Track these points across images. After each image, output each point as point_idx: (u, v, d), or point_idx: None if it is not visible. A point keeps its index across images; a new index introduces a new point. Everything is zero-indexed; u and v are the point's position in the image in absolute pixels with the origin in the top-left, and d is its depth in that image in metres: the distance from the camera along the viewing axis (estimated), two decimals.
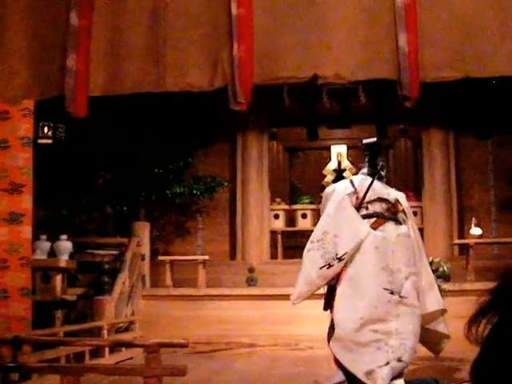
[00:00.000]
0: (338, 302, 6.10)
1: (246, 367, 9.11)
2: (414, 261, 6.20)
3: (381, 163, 6.85)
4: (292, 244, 15.07)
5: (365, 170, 6.72)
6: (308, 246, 6.29)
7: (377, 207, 6.41)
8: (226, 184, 14.32)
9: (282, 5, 4.93)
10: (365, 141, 7.07)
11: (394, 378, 5.80)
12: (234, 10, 4.77)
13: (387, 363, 5.75)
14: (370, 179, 6.59)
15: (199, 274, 12.86)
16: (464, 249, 13.29)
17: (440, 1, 4.91)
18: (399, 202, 6.46)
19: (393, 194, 6.56)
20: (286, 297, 11.25)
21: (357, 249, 6.10)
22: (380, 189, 6.52)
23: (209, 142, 14.76)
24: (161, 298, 12.14)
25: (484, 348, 1.73)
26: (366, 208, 6.42)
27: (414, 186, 15.49)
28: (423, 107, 8.63)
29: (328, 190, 6.88)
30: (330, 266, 6.11)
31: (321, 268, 6.11)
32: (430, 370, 7.55)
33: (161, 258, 13.29)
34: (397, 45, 4.76)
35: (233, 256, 14.83)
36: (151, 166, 13.37)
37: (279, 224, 15.51)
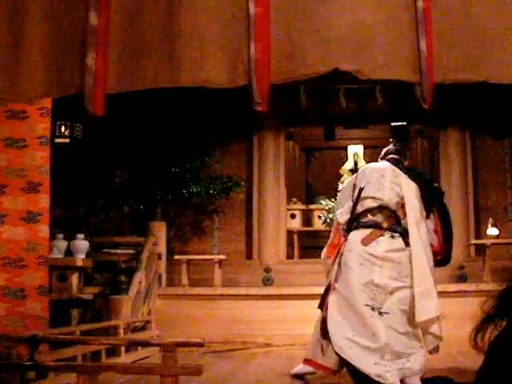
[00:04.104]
0: (329, 315, 6.16)
1: (263, 367, 9.10)
2: (407, 273, 6.12)
3: (395, 147, 6.95)
4: (308, 244, 15.08)
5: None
6: None
7: (377, 217, 6.38)
8: (242, 184, 14.30)
9: (298, 5, 4.94)
10: (393, 124, 7.30)
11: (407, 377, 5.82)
12: (251, 9, 4.78)
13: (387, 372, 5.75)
14: (381, 166, 6.70)
15: (215, 274, 12.87)
16: (481, 249, 13.23)
17: (458, 7, 4.93)
18: (403, 205, 6.42)
19: (405, 184, 6.45)
20: (303, 296, 11.29)
21: (344, 265, 6.20)
22: (378, 183, 6.49)
23: (225, 141, 14.77)
24: (177, 298, 12.15)
25: (489, 354, 1.71)
26: (366, 216, 6.41)
27: None
28: (440, 107, 8.60)
29: (342, 186, 7.14)
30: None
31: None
32: (446, 371, 7.51)
33: (177, 257, 13.28)
34: (418, 48, 4.78)
35: (249, 255, 14.83)
36: (168, 166, 13.39)
37: (296, 224, 15.49)
